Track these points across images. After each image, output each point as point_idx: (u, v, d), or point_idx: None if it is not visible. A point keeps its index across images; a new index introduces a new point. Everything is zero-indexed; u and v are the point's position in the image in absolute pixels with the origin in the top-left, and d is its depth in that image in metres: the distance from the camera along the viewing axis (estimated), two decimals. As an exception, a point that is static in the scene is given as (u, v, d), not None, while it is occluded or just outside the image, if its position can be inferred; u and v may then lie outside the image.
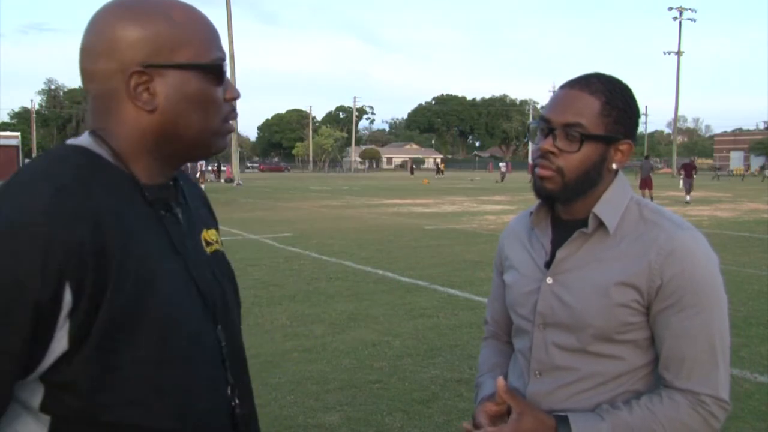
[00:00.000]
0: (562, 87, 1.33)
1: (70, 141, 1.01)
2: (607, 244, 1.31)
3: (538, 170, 1.32)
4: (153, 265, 0.95)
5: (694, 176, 23.88)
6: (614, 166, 1.32)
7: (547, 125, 1.31)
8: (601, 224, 1.31)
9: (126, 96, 0.96)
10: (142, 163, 1.00)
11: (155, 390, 0.93)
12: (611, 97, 1.29)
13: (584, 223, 1.32)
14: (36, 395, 0.90)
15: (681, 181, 24.63)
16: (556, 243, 1.36)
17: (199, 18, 1.01)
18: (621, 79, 1.35)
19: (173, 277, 0.98)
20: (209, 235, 1.13)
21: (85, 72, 0.98)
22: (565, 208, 1.37)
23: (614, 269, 1.28)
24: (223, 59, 1.02)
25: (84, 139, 1.00)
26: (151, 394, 0.92)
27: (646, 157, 25.48)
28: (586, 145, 1.28)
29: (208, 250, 1.11)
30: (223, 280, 1.12)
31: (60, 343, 0.87)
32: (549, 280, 1.34)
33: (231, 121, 1.06)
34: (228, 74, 1.05)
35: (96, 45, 0.96)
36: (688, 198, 23.20)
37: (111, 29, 0.95)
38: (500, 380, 1.29)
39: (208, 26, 1.02)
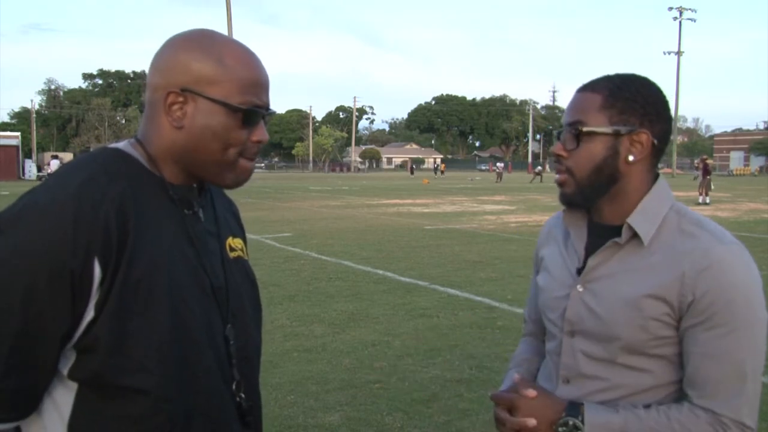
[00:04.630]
0: (575, 91, 1.35)
1: (110, 145, 1.15)
2: (640, 255, 1.27)
3: (555, 177, 1.34)
4: (166, 250, 1.06)
5: (708, 177, 23.32)
6: (631, 158, 1.26)
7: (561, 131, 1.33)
8: (635, 234, 1.27)
9: (162, 109, 1.10)
10: (171, 168, 1.13)
11: (163, 361, 1.02)
12: (615, 90, 1.27)
13: (619, 230, 1.28)
14: (68, 362, 1.01)
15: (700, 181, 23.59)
16: (590, 249, 1.34)
17: (249, 65, 1.11)
18: (641, 75, 1.31)
19: (184, 265, 1.09)
20: (234, 242, 1.26)
21: (147, 83, 1.14)
22: (595, 212, 1.35)
23: (646, 282, 1.24)
24: (259, 106, 1.11)
25: (121, 143, 1.14)
26: (159, 365, 1.02)
27: None
28: (586, 140, 1.27)
29: (232, 255, 1.23)
30: (241, 284, 1.22)
31: (90, 313, 0.99)
32: (579, 288, 1.32)
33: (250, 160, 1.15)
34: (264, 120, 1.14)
35: (157, 62, 1.12)
36: (701, 200, 22.50)
37: (171, 53, 1.11)
38: (516, 377, 1.34)
39: (253, 73, 1.11)
